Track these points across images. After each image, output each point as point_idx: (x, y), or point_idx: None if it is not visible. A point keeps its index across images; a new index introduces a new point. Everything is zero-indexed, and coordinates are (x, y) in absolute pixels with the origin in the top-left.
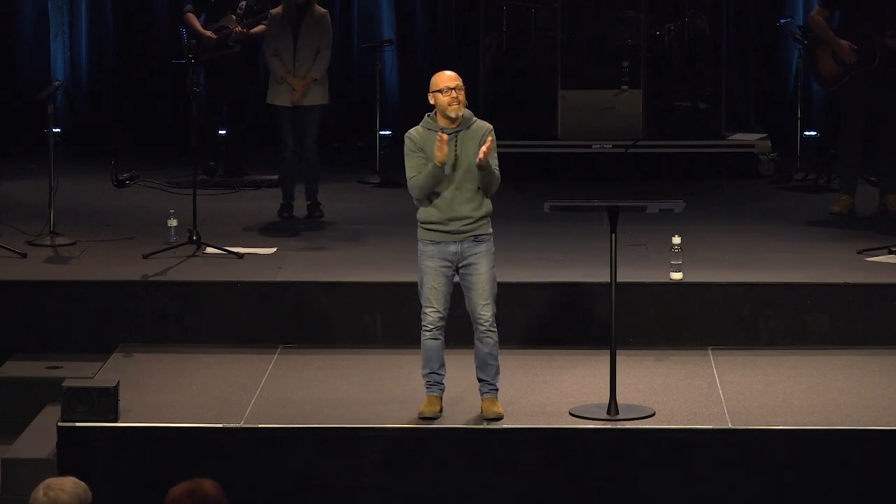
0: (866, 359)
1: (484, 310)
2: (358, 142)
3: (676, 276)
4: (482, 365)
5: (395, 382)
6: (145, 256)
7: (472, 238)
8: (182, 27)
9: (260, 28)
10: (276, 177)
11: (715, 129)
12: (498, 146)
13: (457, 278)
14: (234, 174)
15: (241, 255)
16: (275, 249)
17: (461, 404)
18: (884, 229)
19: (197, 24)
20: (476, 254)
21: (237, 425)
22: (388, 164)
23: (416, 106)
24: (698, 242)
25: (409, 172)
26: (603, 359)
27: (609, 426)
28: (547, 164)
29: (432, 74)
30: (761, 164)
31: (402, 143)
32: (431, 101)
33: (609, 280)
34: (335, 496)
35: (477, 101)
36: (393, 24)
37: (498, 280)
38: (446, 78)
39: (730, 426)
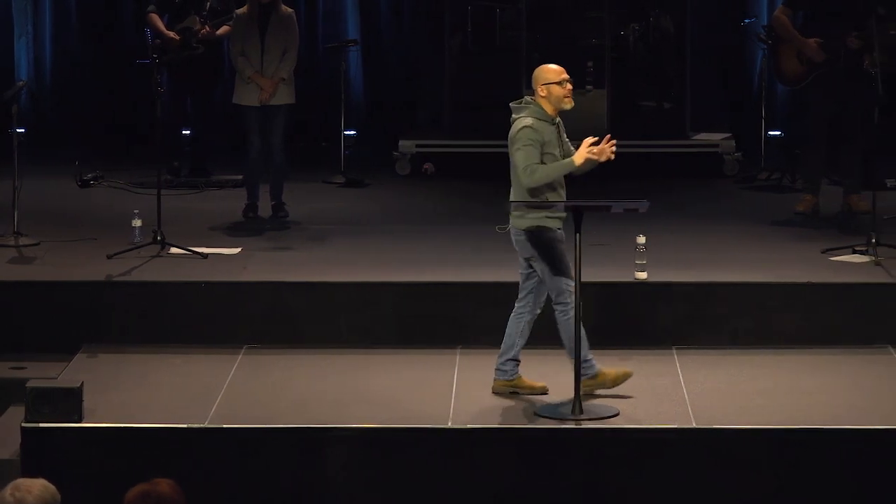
0: (830, 358)
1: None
2: (322, 142)
3: (641, 275)
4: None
5: (361, 382)
6: (109, 257)
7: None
8: (146, 27)
9: (225, 29)
10: (240, 177)
11: (679, 129)
12: (462, 146)
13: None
14: (198, 174)
15: (205, 256)
16: (239, 249)
17: (433, 403)
18: (847, 229)
19: (160, 24)
20: None
21: (202, 425)
22: (353, 164)
23: (381, 106)
24: (663, 242)
25: (526, 161)
26: (567, 358)
27: (573, 426)
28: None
29: (398, 74)
30: (725, 164)
31: (359, 142)
32: (542, 94)
33: (574, 279)
34: (301, 497)
35: (442, 100)
36: (358, 24)
37: (463, 280)
38: (559, 71)
39: (694, 426)
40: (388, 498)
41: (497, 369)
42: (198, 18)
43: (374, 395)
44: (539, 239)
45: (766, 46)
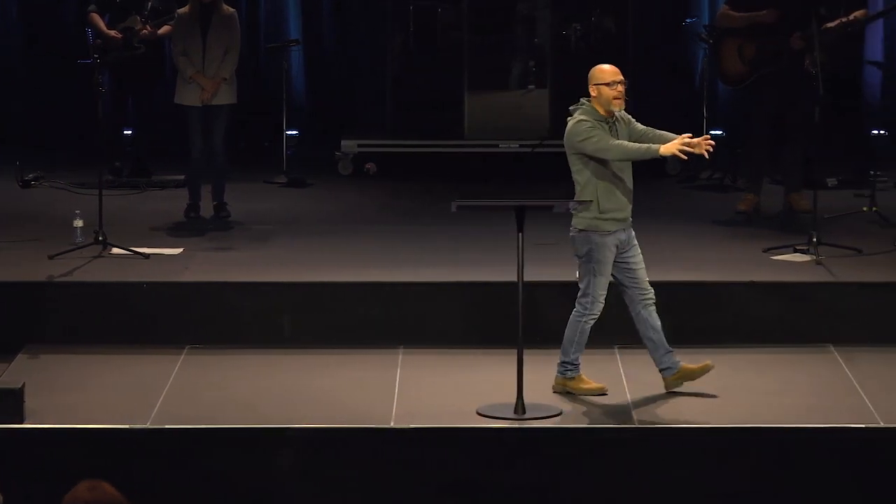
0: (771, 357)
1: (647, 283)
2: (265, 142)
3: None
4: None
5: (304, 383)
6: (51, 257)
7: (631, 222)
8: (87, 27)
9: (166, 28)
10: (182, 177)
11: None
12: (404, 146)
13: None
14: (139, 174)
15: (147, 256)
16: (181, 250)
17: (375, 403)
18: (789, 228)
19: (101, 24)
20: (634, 236)
21: (144, 426)
22: (295, 164)
23: (323, 106)
24: None
25: (599, 138)
26: (510, 358)
27: (516, 425)
28: (453, 164)
29: (340, 74)
30: (668, 163)
31: (301, 142)
32: (594, 93)
33: (516, 279)
34: (244, 497)
35: (384, 100)
36: (299, 24)
37: (406, 279)
38: (612, 72)
39: (636, 424)
40: (331, 498)
41: (659, 367)
42: (139, 18)
43: (316, 395)
44: (583, 240)
45: (707, 46)
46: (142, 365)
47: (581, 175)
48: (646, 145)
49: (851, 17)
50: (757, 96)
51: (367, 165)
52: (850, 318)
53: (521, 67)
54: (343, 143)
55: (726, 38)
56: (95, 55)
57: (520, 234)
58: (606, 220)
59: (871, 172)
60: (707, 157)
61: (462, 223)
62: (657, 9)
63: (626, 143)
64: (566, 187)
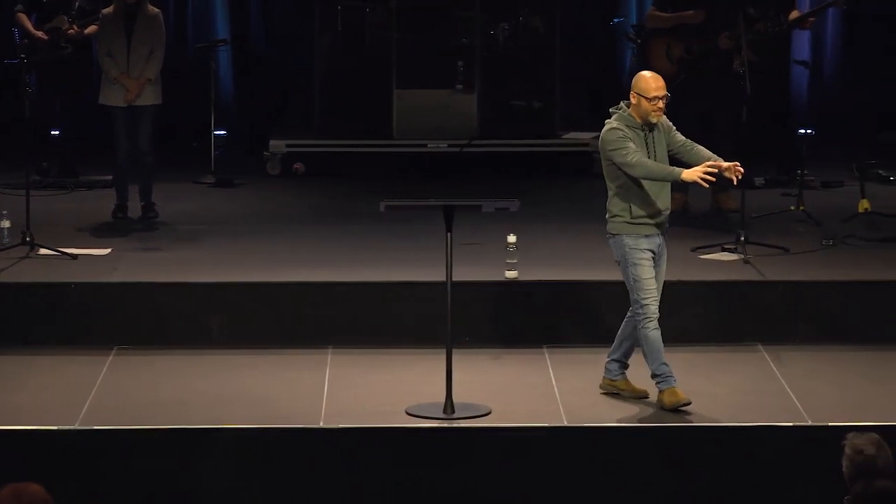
0: (700, 356)
1: (658, 298)
2: (192, 142)
3: (511, 274)
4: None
5: (232, 383)
6: None
7: (665, 230)
8: (13, 27)
9: (93, 28)
10: (109, 177)
11: (549, 128)
12: (332, 146)
13: None
14: (67, 175)
15: (74, 257)
16: (109, 250)
17: (304, 403)
18: (717, 227)
19: (28, 23)
20: (665, 246)
21: (72, 427)
22: (223, 164)
23: (251, 106)
24: (533, 241)
25: (628, 152)
26: (439, 357)
27: (445, 425)
28: (382, 164)
29: (268, 74)
30: (595, 163)
31: (229, 142)
32: (633, 101)
33: (445, 279)
34: (174, 498)
35: (312, 100)
36: (227, 24)
37: (334, 280)
38: (655, 87)
39: (565, 424)
40: (260, 498)
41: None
42: (66, 18)
43: (245, 395)
44: (617, 244)
45: (635, 46)
46: (70, 366)
47: (612, 182)
48: (669, 168)
49: (791, 17)
50: (685, 96)
51: (296, 165)
52: (778, 317)
53: (449, 67)
54: (271, 143)
55: (654, 39)
56: (22, 55)
57: (448, 234)
58: (638, 224)
59: (798, 172)
60: (735, 183)
61: (390, 223)
62: (585, 8)
63: (651, 163)
64: (494, 187)
